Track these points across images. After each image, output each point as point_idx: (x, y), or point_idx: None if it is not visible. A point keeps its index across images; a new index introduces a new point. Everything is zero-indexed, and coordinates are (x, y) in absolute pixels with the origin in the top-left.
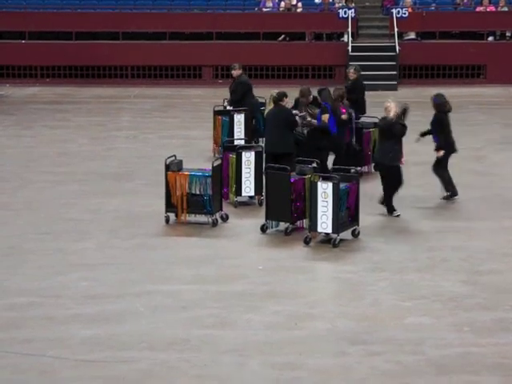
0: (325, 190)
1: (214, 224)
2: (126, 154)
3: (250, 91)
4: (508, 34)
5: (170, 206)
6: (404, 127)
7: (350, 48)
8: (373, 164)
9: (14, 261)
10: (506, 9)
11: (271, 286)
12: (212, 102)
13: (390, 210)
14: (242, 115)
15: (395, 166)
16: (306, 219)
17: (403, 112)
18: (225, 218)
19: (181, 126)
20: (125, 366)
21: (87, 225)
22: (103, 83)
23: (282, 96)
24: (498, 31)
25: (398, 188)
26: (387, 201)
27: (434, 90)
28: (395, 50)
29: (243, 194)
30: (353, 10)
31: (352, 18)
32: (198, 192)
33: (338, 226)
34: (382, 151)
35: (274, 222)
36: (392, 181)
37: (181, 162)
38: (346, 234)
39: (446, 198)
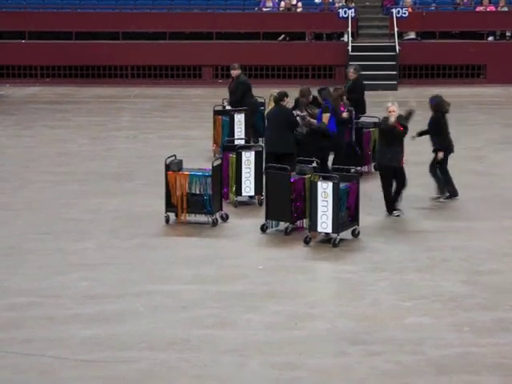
0: (325, 190)
1: (214, 224)
2: (126, 154)
3: (249, 91)
4: (508, 33)
5: (170, 205)
6: (405, 129)
7: (349, 48)
8: (373, 164)
9: (14, 261)
10: (505, 9)
11: (271, 286)
12: (212, 102)
13: (390, 209)
14: (242, 115)
15: (398, 167)
16: (306, 219)
17: (408, 115)
18: (225, 218)
19: (181, 125)
20: (125, 365)
21: (87, 225)
22: (103, 83)
23: (282, 96)
24: (498, 31)
25: (401, 189)
26: (389, 200)
27: (434, 90)
28: (395, 50)
29: (243, 194)
30: (353, 10)
31: (352, 18)
32: (198, 192)
33: (337, 225)
34: (383, 153)
35: (274, 222)
36: (397, 182)
37: (181, 161)
38: (346, 234)
39: (437, 199)
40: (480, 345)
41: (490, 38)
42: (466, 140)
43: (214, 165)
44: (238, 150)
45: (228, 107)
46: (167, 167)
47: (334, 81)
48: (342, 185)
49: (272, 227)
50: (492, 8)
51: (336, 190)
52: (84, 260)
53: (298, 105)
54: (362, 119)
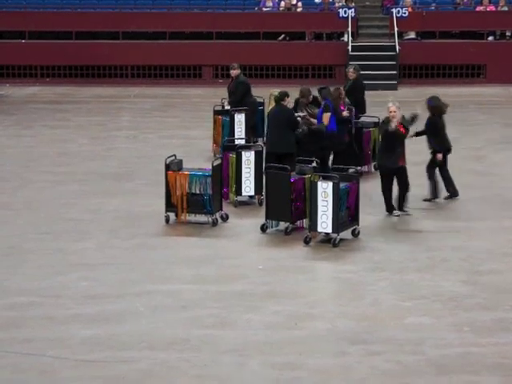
0: (325, 190)
1: (214, 224)
2: (126, 153)
3: (249, 91)
4: (508, 33)
5: (170, 205)
6: (407, 131)
7: (349, 47)
8: (373, 164)
9: (14, 261)
10: (505, 8)
11: (271, 286)
12: (212, 102)
13: (390, 209)
14: (243, 115)
15: (400, 167)
16: (306, 219)
17: (412, 119)
18: (225, 218)
19: (181, 125)
20: (125, 365)
21: (87, 225)
22: (103, 83)
23: (283, 96)
24: (498, 31)
25: (405, 191)
26: (389, 200)
27: (434, 90)
28: (395, 50)
29: (243, 194)
30: (353, 10)
31: (352, 18)
32: (198, 192)
33: (337, 225)
34: (384, 154)
35: (273, 222)
36: (400, 183)
37: (181, 161)
38: (346, 234)
39: (429, 200)
40: (480, 345)
41: (490, 38)
42: (466, 140)
43: (214, 165)
44: (238, 150)
45: (227, 107)
46: (167, 167)
47: (334, 81)
48: (341, 185)
49: (272, 227)
50: (492, 8)
51: (336, 190)
52: (84, 260)
53: (298, 105)
54: (362, 119)
